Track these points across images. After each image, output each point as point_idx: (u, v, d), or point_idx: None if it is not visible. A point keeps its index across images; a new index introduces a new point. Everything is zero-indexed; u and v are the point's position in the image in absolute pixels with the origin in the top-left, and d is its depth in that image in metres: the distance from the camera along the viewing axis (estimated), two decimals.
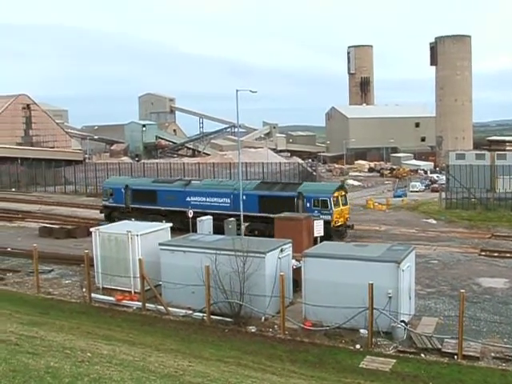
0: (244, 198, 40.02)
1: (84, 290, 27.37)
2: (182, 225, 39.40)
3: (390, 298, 20.99)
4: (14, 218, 53.60)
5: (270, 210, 39.25)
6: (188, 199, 43.98)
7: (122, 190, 47.90)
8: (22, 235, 44.43)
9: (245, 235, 36.98)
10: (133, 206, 47.08)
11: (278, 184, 45.29)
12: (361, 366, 18.49)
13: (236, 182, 43.81)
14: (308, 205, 39.56)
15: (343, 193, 41.43)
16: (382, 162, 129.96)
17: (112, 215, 47.74)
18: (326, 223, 36.36)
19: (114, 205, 48.34)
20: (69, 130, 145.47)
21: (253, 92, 39.45)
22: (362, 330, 20.98)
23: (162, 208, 44.95)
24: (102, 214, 49.44)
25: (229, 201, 42.39)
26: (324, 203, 39.11)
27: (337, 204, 39.60)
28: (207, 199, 43.39)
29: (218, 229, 37.89)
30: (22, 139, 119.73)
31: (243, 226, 38.01)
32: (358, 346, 20.32)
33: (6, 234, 45.28)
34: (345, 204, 41.03)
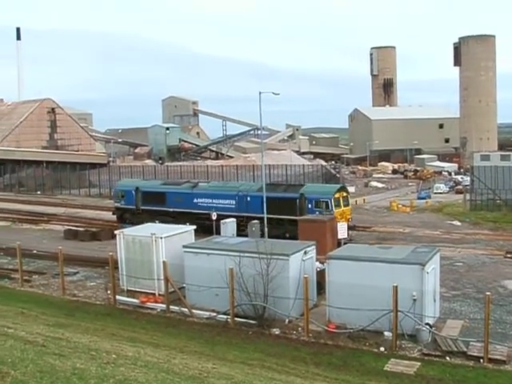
0: (248, 199, 42.06)
1: (109, 292, 27.55)
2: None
3: (414, 300, 20.86)
4: (40, 221, 54.11)
5: (273, 211, 39.76)
6: (195, 201, 44.91)
7: (133, 192, 48.95)
8: (48, 238, 44.84)
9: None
10: (143, 207, 48.02)
11: (281, 186, 46.37)
12: (385, 368, 18.39)
13: (241, 184, 46.03)
14: (310, 206, 40.07)
15: (344, 194, 41.80)
16: (405, 164, 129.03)
17: (124, 216, 49.22)
18: None
19: (126, 206, 49.43)
20: (93, 134, 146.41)
21: (275, 94, 39.49)
22: (386, 333, 20.87)
23: (171, 209, 45.88)
24: (115, 216, 50.76)
25: (234, 202, 43.24)
26: (325, 204, 39.55)
27: (338, 205, 39.95)
28: (213, 201, 44.01)
29: (218, 228, 37.95)
30: (47, 143, 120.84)
31: (266, 229, 37.97)
32: (382, 349, 20.22)
33: (32, 236, 45.71)
34: (346, 205, 41.33)
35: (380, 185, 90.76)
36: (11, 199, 75.42)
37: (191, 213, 43.63)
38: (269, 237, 34.89)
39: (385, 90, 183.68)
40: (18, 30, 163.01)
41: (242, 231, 38.73)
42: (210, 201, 44.16)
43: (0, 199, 74.82)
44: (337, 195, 40.35)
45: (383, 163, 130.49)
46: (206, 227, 38.23)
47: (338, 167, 78.42)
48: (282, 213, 39.50)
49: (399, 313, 20.31)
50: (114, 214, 51.54)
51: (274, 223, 39.14)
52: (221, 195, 44.12)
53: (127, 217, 48.90)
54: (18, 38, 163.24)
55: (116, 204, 51.00)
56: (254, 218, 40.49)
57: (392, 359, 19.15)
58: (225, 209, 42.92)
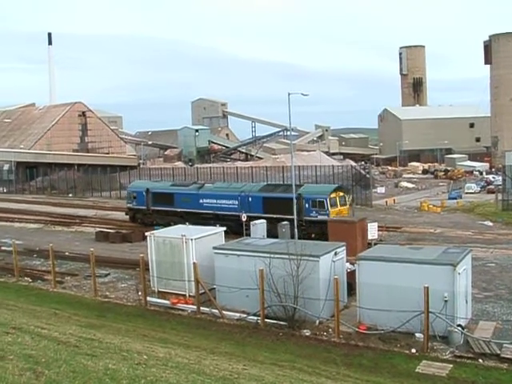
0: (250, 199, 43.68)
1: (140, 293, 27.75)
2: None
3: (446, 301, 20.66)
4: (72, 223, 54.68)
5: (272, 210, 41.47)
6: (201, 201, 46.64)
7: (144, 193, 50.72)
8: (79, 240, 45.32)
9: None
10: (153, 208, 50.01)
11: (281, 186, 47.26)
12: (417, 370, 18.25)
13: (243, 185, 48.29)
14: (307, 205, 41.09)
15: (341, 194, 42.53)
16: (435, 164, 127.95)
17: (136, 217, 51.69)
18: (323, 223, 38.08)
19: (137, 207, 51.47)
20: (123, 136, 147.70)
21: (304, 95, 39.40)
22: (417, 334, 20.70)
23: (179, 210, 47.71)
24: (127, 216, 53.01)
25: (237, 202, 44.65)
26: (321, 204, 40.41)
27: (334, 204, 40.75)
28: (217, 201, 45.72)
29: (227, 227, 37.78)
30: (78, 146, 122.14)
31: (296, 230, 37.93)
32: (413, 350, 20.05)
33: (64, 238, 46.22)
34: (344, 204, 42.01)
35: (410, 185, 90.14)
36: (43, 202, 76.33)
37: (197, 213, 45.61)
38: (268, 236, 35.27)
39: (414, 89, 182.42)
40: (49, 35, 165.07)
41: (246, 230, 38.76)
42: (215, 201, 45.88)
43: (32, 202, 75.81)
44: (333, 195, 41.16)
45: (413, 163, 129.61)
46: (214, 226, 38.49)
47: (367, 168, 77.91)
48: (282, 212, 40.70)
49: (430, 314, 20.13)
50: (126, 214, 53.58)
51: (275, 222, 39.63)
52: (224, 196, 45.69)
53: (139, 217, 51.31)
54: (50, 43, 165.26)
55: (128, 205, 53.00)
56: (256, 218, 40.83)
57: (424, 361, 18.99)
58: (228, 209, 44.79)
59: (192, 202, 47.09)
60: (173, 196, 48.81)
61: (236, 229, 39.32)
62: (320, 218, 39.60)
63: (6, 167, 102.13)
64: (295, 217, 38.26)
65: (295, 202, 40.14)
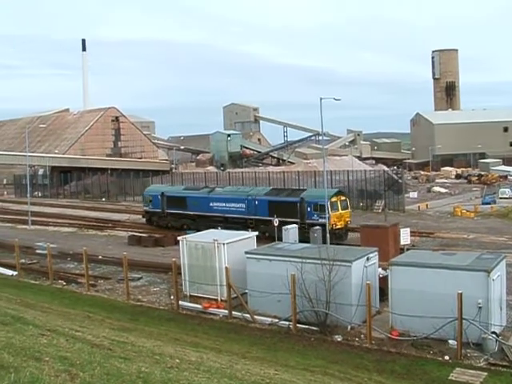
0: (256, 203, 45.48)
1: (172, 297, 27.88)
2: (207, 227, 40.92)
3: (479, 308, 20.42)
4: (105, 227, 55.21)
5: (277, 213, 41.64)
6: (211, 204, 48.45)
7: (159, 197, 52.87)
8: (112, 243, 45.74)
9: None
10: (167, 210, 52.08)
11: (286, 190, 49.74)
12: (450, 378, 18.05)
13: (251, 189, 50.40)
14: (309, 209, 42.48)
15: (342, 198, 43.75)
16: (469, 169, 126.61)
17: (152, 219, 53.89)
18: (324, 226, 38.90)
19: (153, 210, 53.56)
20: (156, 141, 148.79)
21: (336, 100, 39.35)
22: (450, 341, 20.48)
23: (191, 213, 49.91)
24: (144, 219, 55.35)
25: (244, 206, 46.42)
26: (322, 207, 41.02)
27: (335, 208, 41.95)
28: (226, 204, 47.53)
29: (231, 230, 39.15)
30: (111, 150, 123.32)
31: (328, 235, 37.83)
32: (446, 358, 19.83)
33: (97, 242, 46.68)
34: (345, 208, 43.14)
35: (443, 190, 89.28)
36: (77, 206, 77.21)
37: (208, 216, 47.78)
38: (274, 238, 35.72)
39: (447, 93, 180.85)
40: (83, 41, 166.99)
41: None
42: (224, 204, 47.67)
43: (66, 206, 76.73)
44: (334, 199, 42.36)
45: (446, 168, 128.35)
46: (224, 229, 38.82)
47: (400, 173, 77.32)
48: (286, 215, 41.68)
49: (464, 321, 19.91)
50: (143, 216, 55.94)
51: (280, 225, 39.78)
52: (233, 199, 47.46)
53: (154, 219, 53.53)
54: (84, 49, 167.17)
55: (145, 208, 55.26)
56: (261, 221, 43.82)
57: (457, 368, 18.78)
58: (236, 212, 46.66)
59: (203, 205, 48.88)
60: (185, 199, 50.77)
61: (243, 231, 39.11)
62: (321, 221, 40.46)
63: (41, 172, 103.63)
64: (327, 221, 38.21)
65: (297, 206, 42.67)
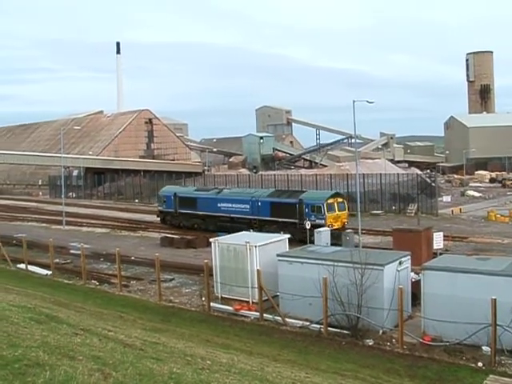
0: (259, 204, 47.38)
1: (203, 298, 27.97)
2: (216, 227, 48.45)
3: None
4: (137, 228, 55.64)
5: (278, 214, 45.25)
6: (219, 205, 50.50)
7: (172, 198, 55.12)
8: (145, 245, 46.06)
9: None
10: (180, 210, 54.23)
11: (287, 192, 51.60)
12: None
13: (255, 191, 53.13)
14: (307, 210, 44.10)
15: (339, 199, 45.14)
16: (503, 172, 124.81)
17: (165, 219, 56.11)
18: (320, 226, 39.77)
19: (166, 210, 55.71)
20: (188, 143, 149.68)
21: (370, 102, 39.16)
22: (484, 347, 20.21)
23: (201, 213, 52.14)
24: (158, 218, 57.32)
25: (248, 206, 48.20)
26: (318, 209, 43.34)
27: (331, 209, 43.52)
28: (232, 205, 49.52)
29: (234, 229, 42.00)
30: (144, 152, 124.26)
31: (361, 238, 37.67)
32: (480, 364, 19.55)
33: (130, 243, 47.05)
34: (342, 210, 44.50)
35: (477, 194, 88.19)
36: (110, 207, 77.92)
37: (216, 216, 50.33)
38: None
39: (482, 96, 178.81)
40: (117, 44, 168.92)
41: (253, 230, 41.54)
42: (230, 205, 49.65)
43: (100, 207, 77.49)
44: (330, 201, 44.01)
45: (480, 172, 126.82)
46: (228, 228, 44.18)
47: (433, 176, 76.59)
48: (285, 216, 44.71)
49: (498, 327, 19.65)
50: (157, 216, 57.67)
51: (281, 225, 43.40)
52: (238, 200, 49.45)
53: (168, 219, 55.75)
54: (118, 52, 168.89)
55: (159, 208, 57.35)
56: (264, 221, 46.19)
57: (491, 375, 18.47)
58: (241, 212, 48.60)
59: (211, 205, 50.97)
60: (196, 200, 52.90)
61: (247, 231, 40.66)
62: (318, 221, 42.22)
63: (75, 173, 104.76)
64: (359, 224, 38.05)
65: (296, 207, 44.46)
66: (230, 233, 41.05)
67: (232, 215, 49.14)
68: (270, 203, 46.74)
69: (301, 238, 39.24)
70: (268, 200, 47.24)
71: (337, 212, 43.76)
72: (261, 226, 45.58)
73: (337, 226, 42.93)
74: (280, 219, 44.81)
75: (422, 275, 22.42)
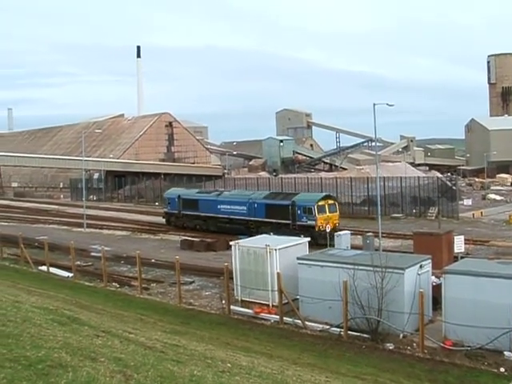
0: (256, 206, 49.17)
1: (223, 301, 28.00)
2: (216, 228, 51.61)
3: None
4: (158, 231, 55.85)
5: (272, 215, 47.28)
6: (219, 207, 52.46)
7: (176, 200, 57.15)
8: (165, 247, 46.24)
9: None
10: (183, 212, 56.29)
11: (281, 194, 53.73)
12: None
13: (252, 193, 54.74)
14: (299, 212, 45.79)
15: (330, 202, 46.69)
16: None
17: (170, 220, 58.23)
18: (311, 227, 43.78)
19: (171, 211, 57.88)
20: (209, 146, 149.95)
21: (390, 105, 39.06)
22: (506, 353, 20.03)
23: (202, 214, 54.25)
24: (164, 219, 59.50)
25: (245, 208, 50.05)
26: (309, 210, 45.14)
27: (322, 211, 45.14)
28: (231, 207, 51.49)
29: (232, 230, 48.49)
30: (164, 155, 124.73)
31: (381, 241, 37.55)
32: (502, 369, 19.34)
33: (150, 246, 47.26)
34: (333, 211, 46.03)
35: (498, 197, 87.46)
36: (131, 210, 78.32)
37: (216, 217, 52.44)
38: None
39: (503, 98, 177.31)
40: (138, 48, 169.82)
41: (251, 233, 44.41)
42: (229, 207, 51.68)
43: (120, 210, 77.92)
44: (321, 203, 45.67)
45: (502, 175, 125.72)
46: (228, 229, 49.44)
47: (454, 179, 76.09)
48: (279, 217, 46.65)
49: None
50: (163, 217, 59.86)
51: (275, 226, 44.88)
52: (236, 202, 51.42)
53: (172, 220, 57.86)
54: (139, 55, 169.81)
55: (165, 209, 59.67)
56: (260, 222, 48.01)
57: None
58: (239, 213, 50.56)
59: (212, 207, 53.06)
60: (197, 202, 55.02)
61: (245, 231, 46.15)
62: (309, 222, 44.63)
63: (96, 176, 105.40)
64: (380, 227, 37.94)
65: (289, 209, 46.24)
66: (228, 234, 47.42)
67: (231, 216, 51.27)
68: (265, 205, 48.62)
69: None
70: (263, 202, 49.14)
71: (328, 214, 45.35)
72: (257, 227, 47.25)
73: (328, 227, 43.89)
74: (274, 220, 46.88)
75: (443, 279, 22.29)
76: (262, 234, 41.70)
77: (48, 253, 37.91)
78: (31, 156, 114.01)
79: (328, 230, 41.57)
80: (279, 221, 46.41)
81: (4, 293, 15.63)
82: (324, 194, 51.76)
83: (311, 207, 45.07)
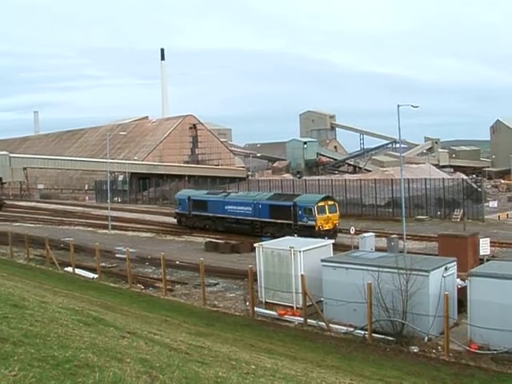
0: (260, 206, 50.73)
1: (247, 303, 28.06)
2: (223, 228, 53.59)
3: None
4: (182, 233, 56.04)
5: (276, 216, 48.98)
6: (226, 207, 54.20)
7: (186, 200, 58.96)
8: (189, 249, 46.41)
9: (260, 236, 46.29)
10: (193, 212, 58.00)
11: (284, 195, 55.99)
12: None
13: (257, 194, 56.57)
14: (300, 212, 47.23)
15: (330, 202, 48.21)
16: None
17: (181, 220, 60.00)
18: (311, 227, 45.48)
19: (182, 212, 59.74)
20: (232, 148, 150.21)
21: (414, 107, 38.82)
22: None
23: (210, 214, 55.91)
24: (175, 220, 61.37)
25: (250, 209, 51.62)
26: (310, 211, 46.55)
27: (322, 212, 46.49)
28: (237, 207, 53.17)
29: (239, 230, 51.71)
30: (188, 157, 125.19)
31: (406, 244, 37.34)
32: None
33: (175, 247, 47.45)
34: (333, 212, 47.35)
35: None
36: (155, 211, 78.63)
37: (223, 217, 54.12)
38: (275, 237, 38.82)
39: None
40: (162, 51, 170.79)
41: (256, 233, 49.47)
42: (235, 207, 53.32)
43: (145, 211, 78.26)
44: (321, 203, 47.08)
45: None
46: (235, 229, 52.03)
47: (479, 181, 75.41)
48: (282, 218, 48.34)
49: None
50: (174, 217, 61.81)
51: (278, 226, 47.94)
52: (242, 203, 53.17)
53: (183, 220, 59.65)
54: (163, 58, 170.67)
55: (176, 210, 61.64)
56: (264, 222, 49.95)
57: None
58: (245, 214, 52.11)
59: (220, 208, 54.78)
60: (206, 203, 56.79)
61: (250, 231, 50.14)
62: (309, 223, 46.12)
63: (120, 178, 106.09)
64: (404, 230, 37.75)
65: (291, 209, 47.64)
66: (235, 233, 51.18)
67: (237, 217, 52.89)
68: (269, 206, 50.21)
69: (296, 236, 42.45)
70: (267, 203, 50.69)
71: (327, 214, 46.75)
72: (261, 227, 50.00)
73: (328, 227, 46.23)
74: (278, 220, 48.70)
75: (469, 282, 22.12)
76: (266, 233, 48.24)
77: (73, 254, 38.22)
78: (57, 158, 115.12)
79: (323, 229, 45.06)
80: (282, 221, 48.27)
81: (31, 293, 15.79)
82: (324, 195, 53.59)
83: (311, 208, 46.50)
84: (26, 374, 5.99)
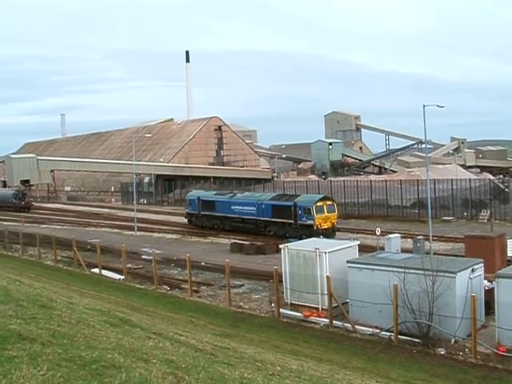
0: (263, 206, 52.56)
1: (273, 305, 28.06)
2: (230, 227, 55.52)
3: None
4: (208, 234, 56.18)
5: (278, 215, 50.88)
6: (232, 207, 56.00)
7: (196, 201, 60.69)
8: (215, 250, 46.52)
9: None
10: (202, 212, 59.70)
11: (286, 196, 56.91)
12: None
13: (261, 194, 59.15)
14: (299, 212, 48.86)
15: (328, 202, 50.15)
16: None
17: (191, 220, 62.03)
18: (310, 226, 47.18)
19: (192, 212, 61.61)
20: (257, 150, 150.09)
21: (440, 107, 38.51)
22: None
23: (218, 214, 57.66)
24: (186, 219, 63.24)
25: (255, 209, 53.38)
26: (308, 210, 48.20)
27: (320, 211, 48.10)
28: (242, 207, 55.03)
29: (244, 229, 53.91)
30: (214, 159, 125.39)
31: (432, 245, 37.07)
32: None
33: (200, 249, 47.59)
34: (331, 211, 49.10)
35: None
36: (181, 213, 78.72)
37: (230, 217, 55.95)
38: (278, 236, 40.62)
39: None
40: (187, 52, 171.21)
41: (260, 231, 52.49)
42: (241, 208, 55.18)
43: (171, 213, 78.58)
44: (319, 203, 48.84)
45: None
46: (240, 228, 54.30)
47: (506, 181, 74.58)
48: (283, 217, 50.17)
49: None
50: (185, 217, 63.69)
51: (280, 226, 50.45)
52: (247, 203, 55.01)
53: (193, 220, 61.61)
54: (188, 60, 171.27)
55: (186, 210, 63.64)
56: (267, 222, 52.06)
57: None
58: (250, 214, 53.92)
59: (227, 208, 56.56)
60: (214, 203, 58.52)
61: (255, 230, 52.53)
62: (308, 222, 47.80)
63: (146, 180, 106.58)
64: (429, 229, 37.49)
65: (291, 209, 49.32)
66: (241, 232, 53.50)
67: (243, 216, 54.71)
68: (272, 206, 51.95)
69: (295, 236, 45.48)
70: (270, 203, 52.49)
71: (326, 213, 48.42)
72: (265, 226, 52.24)
73: (326, 226, 47.93)
74: (279, 220, 50.75)
75: (496, 283, 21.92)
76: (269, 232, 51.73)
77: (100, 255, 38.55)
78: (83, 160, 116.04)
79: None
80: (284, 220, 50.29)
81: (58, 294, 15.95)
82: (322, 195, 55.61)
83: (310, 208, 48.19)
84: (54, 374, 6.07)
